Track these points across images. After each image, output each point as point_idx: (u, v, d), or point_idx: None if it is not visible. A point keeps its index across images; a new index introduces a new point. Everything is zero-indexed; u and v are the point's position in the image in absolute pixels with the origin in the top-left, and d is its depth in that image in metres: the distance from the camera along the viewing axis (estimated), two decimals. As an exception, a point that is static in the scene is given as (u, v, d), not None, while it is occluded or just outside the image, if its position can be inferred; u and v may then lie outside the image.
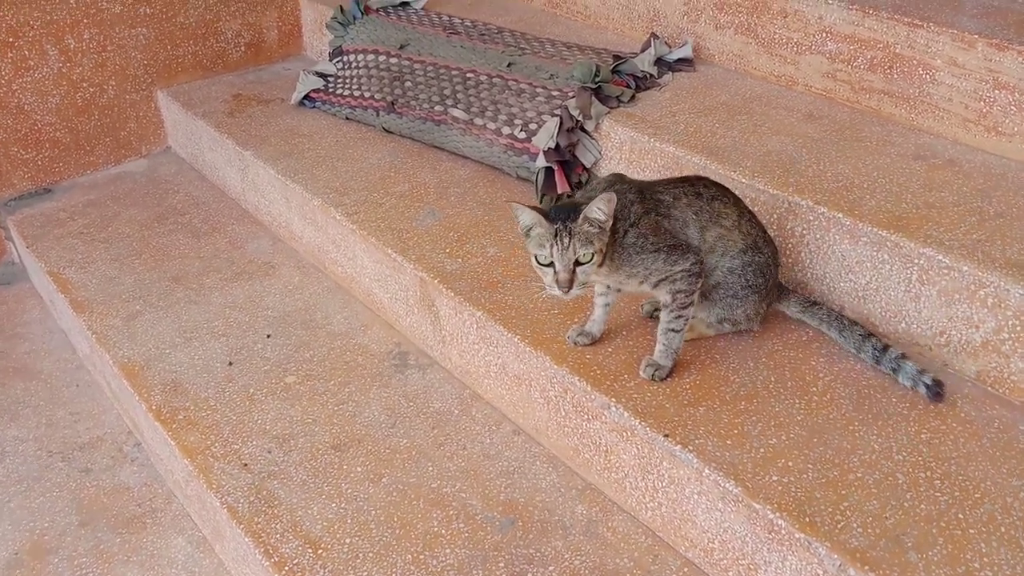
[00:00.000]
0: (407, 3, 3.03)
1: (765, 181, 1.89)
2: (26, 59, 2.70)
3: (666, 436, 1.53)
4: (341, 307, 2.27)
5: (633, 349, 1.74)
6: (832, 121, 2.15)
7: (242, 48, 3.19)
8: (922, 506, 1.41)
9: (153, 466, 2.08)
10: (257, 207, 2.66)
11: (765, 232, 1.70)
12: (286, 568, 1.58)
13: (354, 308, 2.27)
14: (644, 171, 2.14)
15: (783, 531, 1.38)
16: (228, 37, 3.14)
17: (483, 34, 2.71)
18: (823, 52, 2.23)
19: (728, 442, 1.52)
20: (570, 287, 1.49)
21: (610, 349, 1.74)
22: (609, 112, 2.22)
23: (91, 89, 2.87)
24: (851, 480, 1.45)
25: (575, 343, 1.74)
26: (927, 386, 1.60)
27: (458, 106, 2.45)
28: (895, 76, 2.11)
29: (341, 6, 2.97)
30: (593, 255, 1.48)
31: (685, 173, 2.01)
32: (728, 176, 1.92)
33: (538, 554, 1.60)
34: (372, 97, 2.65)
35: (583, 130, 2.21)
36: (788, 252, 1.87)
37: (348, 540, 1.63)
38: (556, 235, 1.47)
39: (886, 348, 1.66)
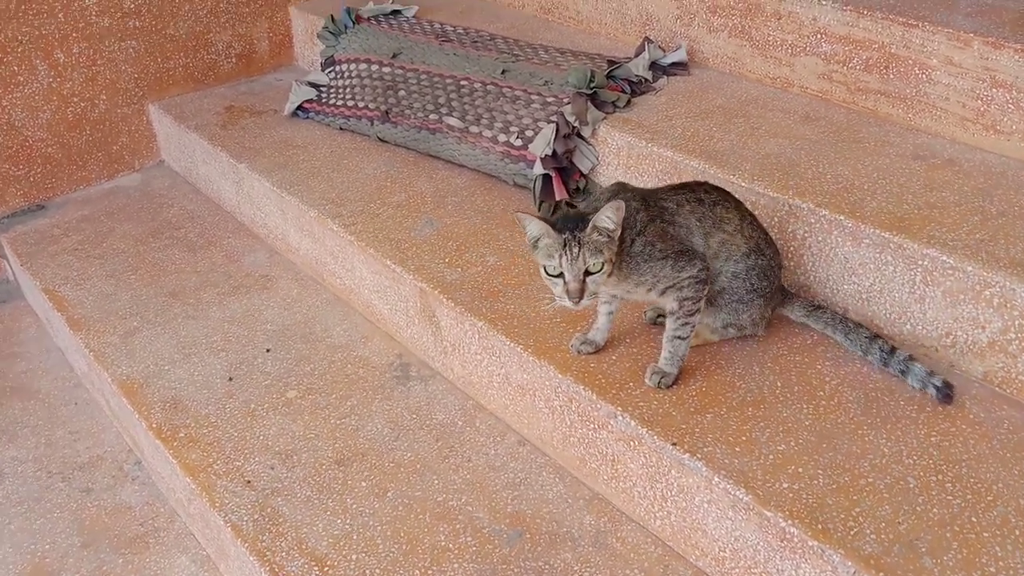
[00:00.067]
0: (398, 11, 3.02)
1: (765, 184, 1.88)
2: (15, 75, 2.68)
3: (674, 444, 1.52)
4: (340, 319, 2.26)
5: (637, 356, 1.73)
6: (829, 122, 2.15)
7: (233, 59, 3.17)
8: (935, 510, 1.40)
9: (154, 484, 2.06)
10: (253, 220, 2.64)
11: (767, 235, 1.69)
12: (293, 587, 1.57)
13: (354, 320, 2.25)
14: (642, 176, 2.13)
15: (796, 539, 1.37)
16: (219, 49, 3.12)
17: (476, 41, 2.70)
18: (818, 53, 2.23)
19: (737, 449, 1.51)
20: (581, 297, 1.47)
21: (614, 357, 1.73)
22: (605, 117, 2.21)
23: (82, 104, 2.85)
24: (862, 485, 1.44)
25: (579, 352, 1.73)
26: (937, 388, 1.59)
27: (453, 114, 2.43)
28: (891, 76, 2.11)
29: (332, 16, 2.96)
30: (603, 264, 1.47)
31: (684, 177, 2.01)
32: (727, 180, 1.91)
33: (547, 567, 1.58)
34: (366, 107, 2.64)
35: (580, 136, 2.20)
36: (790, 255, 1.86)
37: (355, 557, 1.62)
38: (565, 245, 1.46)
39: (893, 350, 1.65)
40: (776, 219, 1.86)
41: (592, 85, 2.25)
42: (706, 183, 1.68)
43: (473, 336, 1.88)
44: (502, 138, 2.30)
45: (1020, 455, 1.49)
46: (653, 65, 2.41)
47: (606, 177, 2.23)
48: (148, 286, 2.42)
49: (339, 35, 2.92)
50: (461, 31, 2.80)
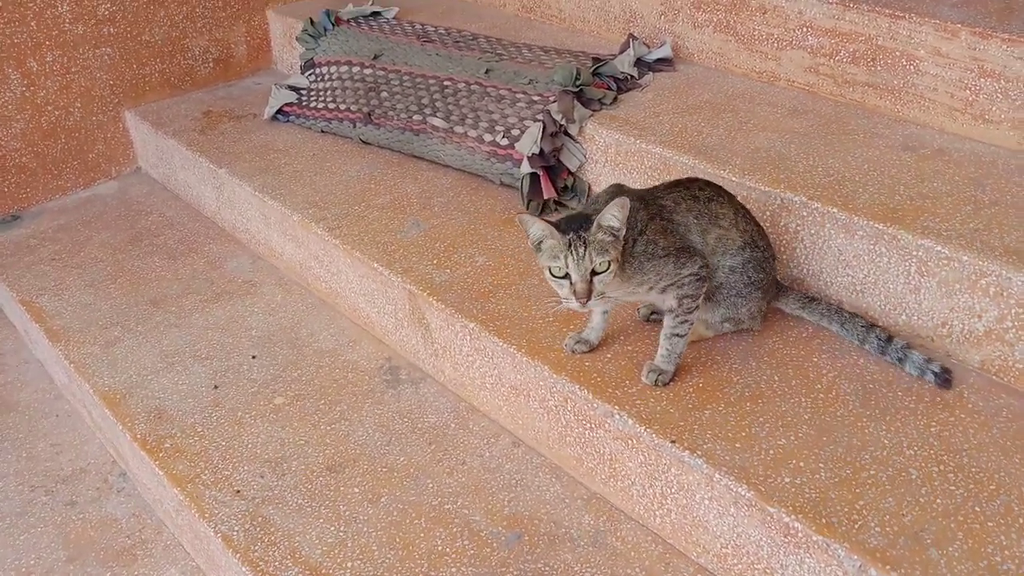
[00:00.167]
0: (378, 13, 2.99)
1: (756, 179, 1.86)
2: (-12, 83, 2.63)
3: (673, 442, 1.50)
4: (327, 324, 2.22)
5: (633, 354, 1.71)
6: (817, 115, 2.14)
7: (210, 64, 3.13)
8: (938, 501, 1.38)
9: (140, 496, 2.01)
10: (234, 225, 2.60)
11: (760, 228, 1.68)
12: (287, 597, 1.53)
13: (340, 324, 2.21)
14: (631, 173, 2.11)
15: (800, 534, 1.35)
16: (195, 54, 3.08)
17: (458, 41, 2.67)
18: (804, 47, 2.22)
19: (737, 445, 1.49)
20: (588, 298, 1.45)
21: (609, 355, 1.71)
22: (592, 115, 2.19)
23: (56, 112, 2.79)
24: (864, 478, 1.42)
25: (573, 351, 1.70)
26: (935, 374, 1.59)
27: (437, 115, 2.40)
28: (878, 68, 2.10)
29: (311, 18, 2.92)
30: (610, 264, 1.44)
31: (673, 173, 1.99)
32: (718, 175, 1.90)
33: (547, 568, 1.55)
34: (348, 109, 2.60)
35: (567, 134, 2.18)
36: (783, 249, 1.85)
37: (350, 564, 1.58)
38: (570, 245, 1.43)
39: (891, 338, 1.64)
40: (768, 213, 1.84)
41: (578, 83, 2.23)
42: (700, 179, 1.66)
43: (464, 337, 1.85)
44: (488, 138, 2.28)
45: (1020, 443, 1.48)
46: (638, 62, 2.40)
47: (594, 175, 2.21)
48: (128, 295, 2.37)
49: (319, 38, 2.88)
50: (443, 31, 2.77)
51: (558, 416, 1.70)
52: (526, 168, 2.14)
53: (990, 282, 1.59)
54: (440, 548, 1.60)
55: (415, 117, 2.44)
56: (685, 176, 1.81)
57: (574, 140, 2.19)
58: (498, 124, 2.28)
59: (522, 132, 2.21)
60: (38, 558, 1.86)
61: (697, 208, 1.59)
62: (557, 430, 1.72)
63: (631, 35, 2.46)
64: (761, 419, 1.55)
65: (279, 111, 2.78)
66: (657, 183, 2.00)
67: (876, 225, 1.70)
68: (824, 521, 1.35)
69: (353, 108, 2.59)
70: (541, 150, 2.14)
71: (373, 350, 2.11)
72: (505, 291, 1.90)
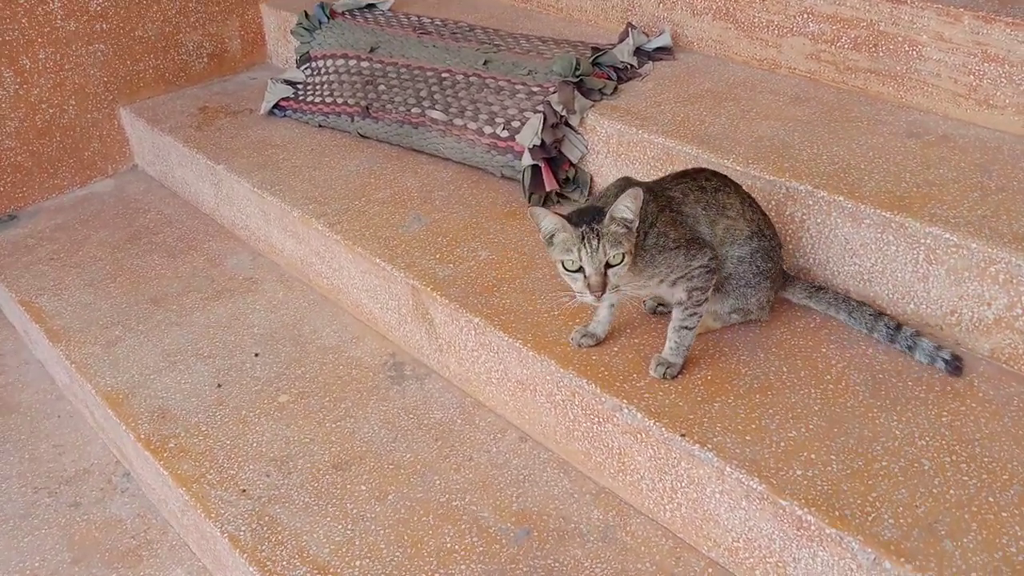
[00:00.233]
0: (373, 5, 2.96)
1: (760, 168, 1.85)
2: (-19, 82, 2.60)
3: (683, 436, 1.49)
4: (330, 320, 2.20)
5: (640, 347, 1.69)
6: (820, 103, 2.12)
7: (205, 59, 3.10)
8: (951, 491, 1.37)
9: (145, 496, 2.00)
10: (233, 222, 2.58)
11: (766, 216, 1.66)
12: (296, 597, 1.52)
13: (343, 320, 2.20)
14: (633, 163, 2.09)
15: (813, 527, 1.34)
16: (189, 49, 3.05)
17: (455, 33, 2.65)
18: (805, 33, 2.20)
19: (747, 438, 1.48)
20: (603, 291, 1.43)
21: (616, 349, 1.69)
22: (593, 105, 2.17)
23: (51, 110, 2.77)
24: (877, 469, 1.41)
25: (579, 345, 1.69)
26: (946, 361, 1.58)
27: (436, 107, 2.38)
28: (880, 54, 2.08)
29: (306, 11, 2.89)
30: (624, 256, 1.43)
31: (676, 163, 1.98)
32: (722, 164, 1.88)
33: (557, 564, 1.55)
34: (345, 103, 2.58)
35: (568, 125, 2.16)
36: (789, 238, 1.83)
37: (358, 563, 1.57)
38: (583, 238, 1.41)
39: (899, 326, 1.64)
40: (773, 202, 1.83)
41: (578, 73, 2.21)
42: (706, 169, 1.64)
43: (469, 332, 1.84)
44: (488, 130, 2.26)
45: (1033, 432, 1.47)
46: (638, 51, 2.38)
47: (596, 166, 2.20)
48: (128, 294, 2.35)
49: (314, 31, 2.85)
50: (439, 23, 2.75)
51: (565, 410, 1.69)
52: (527, 160, 2.13)
53: (999, 269, 1.57)
54: (449, 545, 1.59)
55: (414, 110, 2.42)
56: (689, 166, 1.80)
57: (575, 131, 2.17)
58: (498, 116, 2.26)
59: (522, 124, 2.19)
60: (42, 560, 1.85)
61: (705, 199, 1.57)
62: (565, 425, 1.71)
63: (630, 24, 2.44)
64: (771, 411, 1.53)
65: (276, 106, 2.75)
66: (660, 173, 1.99)
67: (883, 213, 1.68)
68: (837, 514, 1.34)
69: (351, 102, 2.57)
70: (542, 142, 2.12)
71: (377, 346, 2.10)
72: (509, 285, 1.89)
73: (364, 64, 2.64)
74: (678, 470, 1.52)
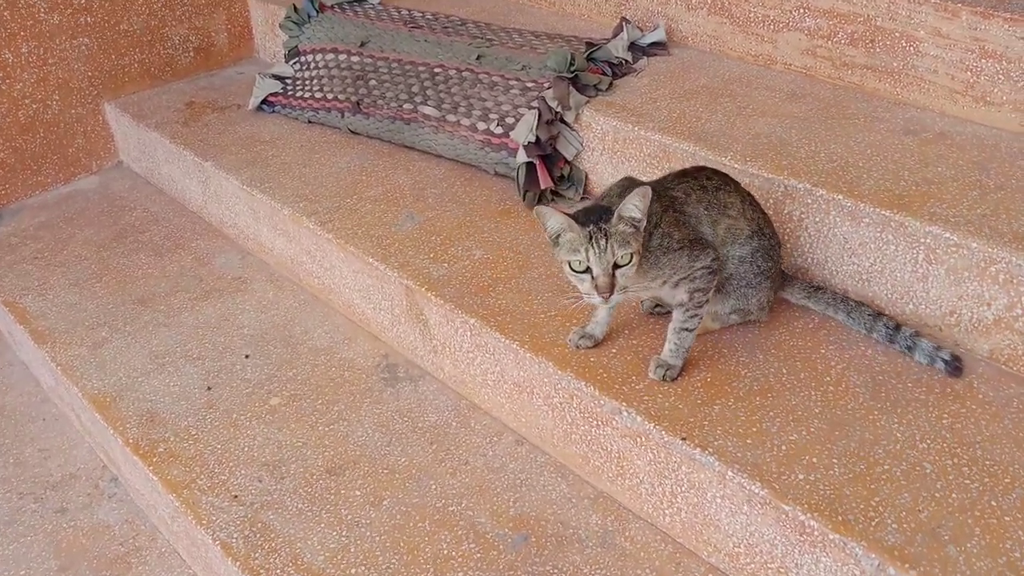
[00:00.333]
0: (363, -2, 2.92)
1: (758, 165, 1.83)
2: (-38, 77, 2.55)
3: (684, 439, 1.47)
4: (321, 320, 2.17)
5: (638, 349, 1.67)
6: (816, 99, 2.10)
7: (191, 53, 3.05)
8: (954, 495, 1.36)
9: (133, 501, 1.96)
10: (222, 220, 2.54)
11: (766, 215, 1.65)
12: (291, 606, 1.49)
13: (335, 321, 2.17)
14: (629, 160, 2.06)
15: (815, 532, 1.33)
16: (175, 43, 3.00)
17: (446, 27, 2.61)
18: (801, 29, 2.18)
19: (748, 441, 1.46)
20: (611, 292, 1.40)
21: (614, 350, 1.67)
22: (588, 101, 2.14)
23: (34, 105, 2.71)
24: (879, 473, 1.40)
25: (577, 346, 1.67)
26: (945, 362, 1.57)
27: (428, 103, 2.35)
28: (877, 50, 2.07)
29: (295, 5, 2.85)
30: (632, 256, 1.40)
31: (673, 161, 1.96)
32: (719, 162, 1.86)
33: (556, 570, 1.52)
34: (335, 98, 2.54)
35: (563, 121, 2.13)
36: (787, 237, 1.82)
37: (353, 570, 1.54)
38: (591, 238, 1.38)
39: (899, 326, 1.62)
40: (771, 200, 1.80)
41: (572, 68, 2.19)
42: (707, 168, 1.62)
43: (464, 333, 1.81)
44: (481, 126, 2.22)
45: (1034, 434, 1.46)
46: (632, 46, 2.35)
47: (591, 163, 2.17)
48: (115, 294, 2.31)
49: (303, 25, 2.81)
50: (430, 16, 2.71)
51: (563, 413, 1.67)
52: (522, 157, 2.10)
53: (1000, 269, 1.56)
54: (446, 552, 1.57)
55: (405, 106, 2.39)
56: (685, 164, 1.78)
57: (570, 128, 2.14)
58: (491, 112, 2.23)
59: (516, 120, 2.17)
60: (29, 568, 1.81)
61: (707, 199, 1.55)
62: (562, 428, 1.69)
63: (624, 18, 2.41)
64: (771, 414, 1.52)
65: (264, 101, 2.71)
66: (657, 171, 1.98)
67: (882, 212, 1.67)
68: (840, 519, 1.32)
69: (341, 97, 2.53)
70: (537, 138, 2.09)
71: (369, 347, 2.07)
72: (505, 285, 1.86)
73: (355, 59, 2.60)
74: (678, 474, 1.50)
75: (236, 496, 1.70)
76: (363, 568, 1.54)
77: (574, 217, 1.41)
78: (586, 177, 2.18)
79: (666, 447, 1.49)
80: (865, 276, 1.74)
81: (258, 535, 1.62)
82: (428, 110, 2.33)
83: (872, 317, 1.65)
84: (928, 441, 1.46)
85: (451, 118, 2.29)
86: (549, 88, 2.16)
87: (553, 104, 2.11)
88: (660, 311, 1.74)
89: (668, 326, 1.59)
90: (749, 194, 1.63)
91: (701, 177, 1.58)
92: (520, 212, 2.12)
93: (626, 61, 2.29)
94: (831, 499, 1.35)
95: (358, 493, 1.69)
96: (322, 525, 1.63)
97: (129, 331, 2.17)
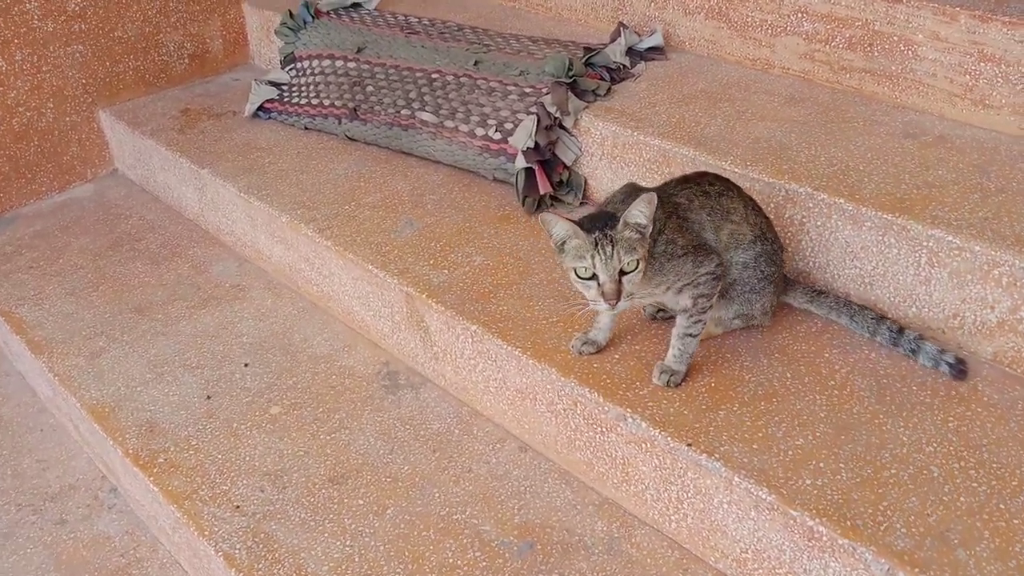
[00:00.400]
0: (358, 4, 2.91)
1: (759, 170, 1.82)
2: (-45, 85, 2.53)
3: (689, 445, 1.46)
4: (320, 328, 2.16)
5: (641, 354, 1.67)
6: (815, 103, 2.10)
7: (186, 60, 3.04)
8: (962, 499, 1.36)
9: (133, 512, 1.95)
10: (218, 228, 2.52)
11: (768, 219, 1.64)
12: (296, 617, 1.48)
13: (334, 328, 2.15)
14: (629, 166, 2.06)
15: (824, 537, 1.32)
16: (170, 49, 2.99)
17: (443, 32, 2.61)
18: (799, 33, 2.18)
19: (754, 446, 1.46)
20: (617, 299, 1.40)
21: (617, 356, 1.67)
22: (587, 107, 2.13)
23: (28, 113, 2.70)
24: (886, 477, 1.40)
25: (580, 352, 1.66)
26: (950, 365, 1.56)
27: (426, 109, 2.34)
28: (876, 54, 2.07)
29: (290, 11, 2.84)
30: (638, 263, 1.40)
31: (673, 166, 1.95)
32: (720, 167, 1.86)
33: (562, 578, 1.52)
34: (332, 104, 2.53)
35: (562, 127, 2.13)
36: (788, 241, 1.81)
37: (358, 580, 1.53)
38: (597, 244, 1.38)
39: (902, 329, 1.62)
40: (773, 205, 1.80)
41: (571, 73, 2.18)
42: (709, 174, 1.62)
43: (466, 340, 1.80)
44: (479, 132, 2.22)
45: (1040, 437, 1.46)
46: (630, 51, 2.35)
47: (590, 168, 2.17)
48: (112, 303, 2.30)
49: (298, 31, 2.80)
50: (427, 22, 2.70)
51: (567, 420, 1.66)
52: (521, 163, 2.09)
53: (1003, 272, 1.56)
54: (451, 560, 1.56)
55: (403, 112, 2.38)
56: (685, 169, 1.78)
57: (569, 133, 2.14)
58: (490, 118, 2.22)
59: (515, 126, 2.16)
60: (30, 581, 1.80)
61: (710, 204, 1.55)
62: (566, 434, 1.68)
63: (621, 23, 2.41)
64: (777, 418, 1.51)
65: (260, 108, 2.70)
66: (657, 176, 1.98)
67: (884, 215, 1.67)
68: (849, 524, 1.32)
69: (338, 103, 2.52)
70: (536, 144, 2.08)
71: (370, 355, 2.06)
72: (506, 291, 1.85)
73: (351, 65, 2.59)
74: (684, 480, 1.50)
75: (238, 506, 1.69)
76: (368, 578, 1.54)
77: (580, 224, 1.40)
78: (585, 182, 2.17)
79: (672, 453, 1.49)
80: (867, 280, 1.74)
81: (261, 546, 1.60)
82: (426, 116, 2.33)
83: (875, 320, 1.65)
84: (934, 444, 1.45)
85: (449, 124, 2.28)
86: (547, 93, 2.16)
87: (552, 109, 2.11)
88: (663, 316, 1.74)
89: (671, 331, 1.59)
90: (751, 199, 1.63)
91: (703, 183, 1.58)
92: (519, 218, 2.11)
93: (624, 66, 2.29)
94: (839, 504, 1.35)
95: (361, 502, 1.68)
96: (325, 535, 1.62)
97: (127, 340, 2.15)
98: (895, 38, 2.02)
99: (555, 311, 1.78)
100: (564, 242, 1.42)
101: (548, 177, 2.11)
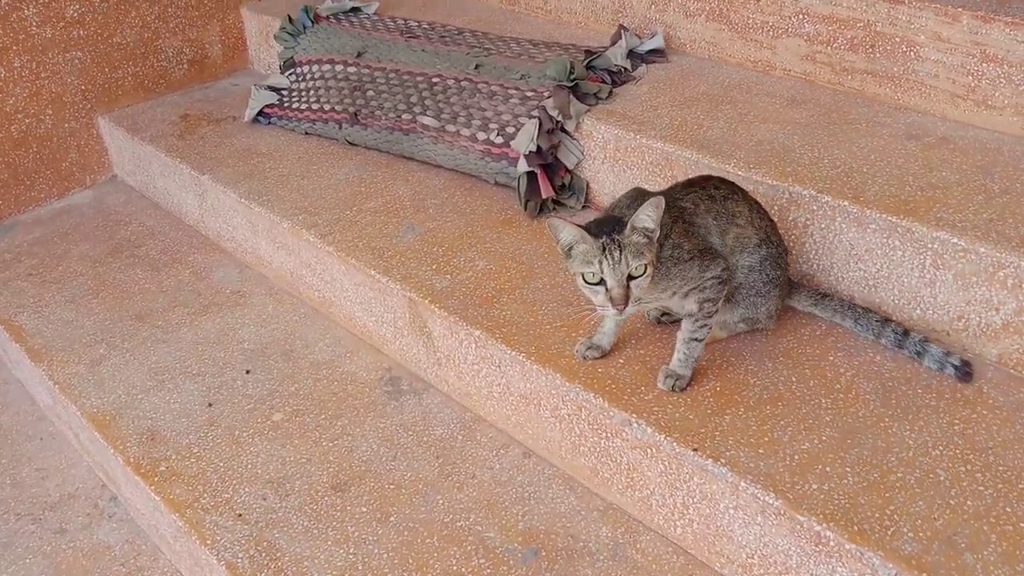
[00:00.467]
0: (358, 8, 2.91)
1: (763, 172, 1.82)
2: (-46, 92, 2.52)
3: (695, 450, 1.45)
4: (322, 334, 2.15)
5: (646, 359, 1.66)
6: (817, 105, 2.10)
7: (185, 65, 3.03)
8: (968, 502, 1.35)
9: (134, 521, 1.94)
10: (219, 234, 2.51)
11: (773, 223, 1.64)
12: (300, 626, 1.47)
13: (336, 334, 2.14)
14: (631, 169, 2.05)
15: (831, 542, 1.31)
16: (169, 55, 2.98)
17: (443, 36, 2.60)
18: (800, 34, 2.17)
19: (760, 451, 1.45)
20: (625, 304, 1.39)
21: (621, 361, 1.66)
22: (589, 110, 2.13)
23: (27, 120, 2.69)
24: (893, 481, 1.39)
25: (584, 357, 1.65)
26: (955, 367, 1.56)
27: (427, 113, 2.34)
28: (877, 55, 2.06)
29: (289, 16, 2.83)
30: (646, 267, 1.39)
31: (676, 169, 1.95)
32: (723, 169, 1.85)
33: (567, 585, 1.51)
34: (332, 109, 2.53)
35: (563, 130, 2.12)
36: (792, 244, 1.80)
37: (362, 588, 1.52)
38: (604, 249, 1.37)
39: (907, 332, 1.61)
40: (777, 207, 1.80)
41: (572, 77, 2.17)
42: (714, 177, 1.61)
43: (469, 345, 1.79)
44: (481, 136, 2.21)
45: (1046, 440, 1.45)
46: (631, 53, 2.34)
47: (592, 171, 2.16)
48: (112, 310, 2.29)
49: (298, 36, 2.80)
50: (427, 26, 2.70)
51: (571, 425, 1.65)
52: (523, 167, 2.08)
53: (1008, 274, 1.55)
54: (455, 568, 1.55)
55: (404, 116, 2.37)
56: (688, 172, 1.77)
57: (571, 136, 2.13)
58: (491, 122, 2.22)
59: (517, 129, 2.15)
60: (31, 591, 1.79)
61: (715, 208, 1.54)
62: (570, 440, 1.67)
63: (621, 26, 2.41)
64: (783, 423, 1.50)
65: (260, 113, 2.69)
66: (660, 179, 1.97)
67: (889, 218, 1.66)
68: (856, 528, 1.31)
69: (338, 108, 2.51)
70: (538, 147, 2.08)
71: (372, 360, 2.05)
72: (509, 296, 1.84)
73: (351, 69, 2.59)
74: (690, 485, 1.49)
75: (240, 515, 1.68)
76: (372, 586, 1.52)
77: (587, 228, 1.39)
78: (587, 186, 2.16)
79: (677, 458, 1.48)
80: (872, 282, 1.73)
81: (264, 554, 1.59)
82: (427, 120, 2.32)
83: (880, 323, 1.64)
84: (940, 448, 1.44)
85: (451, 128, 2.27)
86: (549, 97, 2.15)
87: (554, 113, 2.10)
88: (667, 320, 1.73)
89: (676, 335, 1.58)
90: (756, 202, 1.62)
91: (708, 187, 1.57)
92: (522, 222, 2.10)
93: (625, 69, 2.28)
94: (846, 508, 1.34)
95: (364, 509, 1.67)
96: (329, 543, 1.61)
97: (127, 348, 2.14)
98: (897, 39, 2.02)
99: (559, 316, 1.78)
100: (571, 247, 1.41)
101: (550, 181, 2.10)
